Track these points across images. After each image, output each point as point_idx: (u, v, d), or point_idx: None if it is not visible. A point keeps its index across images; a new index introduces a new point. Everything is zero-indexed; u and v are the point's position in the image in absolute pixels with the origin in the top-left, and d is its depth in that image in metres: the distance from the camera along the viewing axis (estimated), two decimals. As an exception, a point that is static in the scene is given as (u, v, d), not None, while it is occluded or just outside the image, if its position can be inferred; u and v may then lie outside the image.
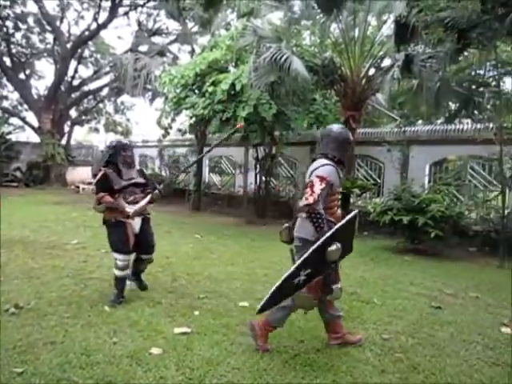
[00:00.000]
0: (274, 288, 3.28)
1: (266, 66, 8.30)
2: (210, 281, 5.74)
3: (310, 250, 3.23)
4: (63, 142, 23.01)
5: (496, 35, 7.31)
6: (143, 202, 4.82)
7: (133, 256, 4.97)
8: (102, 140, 26.45)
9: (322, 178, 3.35)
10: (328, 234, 3.25)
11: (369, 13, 9.22)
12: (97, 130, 28.50)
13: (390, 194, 8.93)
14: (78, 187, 19.32)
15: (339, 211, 3.63)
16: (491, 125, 8.59)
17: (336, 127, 3.75)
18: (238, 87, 9.26)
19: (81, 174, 21.35)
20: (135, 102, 26.48)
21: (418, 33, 7.69)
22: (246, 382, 3.10)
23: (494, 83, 9.75)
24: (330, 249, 3.22)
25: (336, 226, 3.34)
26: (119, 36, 25.47)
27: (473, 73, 12.10)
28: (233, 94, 9.54)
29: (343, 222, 3.40)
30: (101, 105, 26.80)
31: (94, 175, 5.13)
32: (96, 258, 6.72)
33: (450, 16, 7.36)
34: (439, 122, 14.44)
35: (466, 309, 4.98)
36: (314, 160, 3.66)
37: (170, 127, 12.50)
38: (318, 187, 3.31)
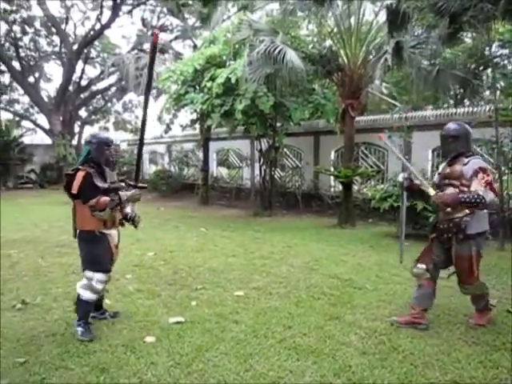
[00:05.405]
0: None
1: (260, 60, 8.40)
2: (209, 272, 5.94)
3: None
4: (74, 142, 23.42)
5: (489, 17, 7.27)
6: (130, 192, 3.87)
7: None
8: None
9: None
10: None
11: (363, 1, 9.23)
12: (107, 128, 28.90)
13: (389, 180, 8.98)
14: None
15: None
16: (486, 107, 8.54)
17: (455, 125, 3.93)
18: (233, 80, 9.35)
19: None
20: (142, 100, 26.71)
21: (409, 19, 7.69)
22: (230, 366, 3.29)
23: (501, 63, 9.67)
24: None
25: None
26: (123, 35, 25.66)
27: (479, 54, 11.98)
28: (230, 87, 9.66)
29: None
30: (109, 104, 27.15)
31: (69, 176, 3.86)
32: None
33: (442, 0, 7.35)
34: (445, 105, 14.37)
35: (456, 291, 5.05)
36: (451, 160, 3.86)
37: (172, 123, 12.77)
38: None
